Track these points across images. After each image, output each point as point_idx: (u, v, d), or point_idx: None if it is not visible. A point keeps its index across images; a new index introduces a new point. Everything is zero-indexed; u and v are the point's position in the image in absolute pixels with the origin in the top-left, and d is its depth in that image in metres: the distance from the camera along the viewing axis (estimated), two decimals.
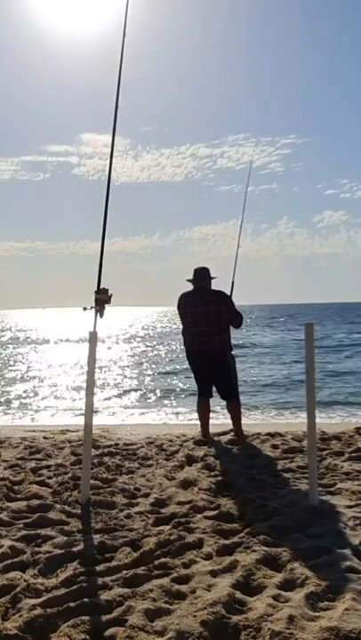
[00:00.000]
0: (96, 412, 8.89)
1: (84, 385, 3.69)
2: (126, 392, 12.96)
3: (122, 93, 3.82)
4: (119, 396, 12.37)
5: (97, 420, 6.84)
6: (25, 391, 13.22)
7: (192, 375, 5.71)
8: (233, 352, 5.61)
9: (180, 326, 5.59)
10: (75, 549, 2.81)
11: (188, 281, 5.54)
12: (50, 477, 4.11)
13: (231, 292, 5.76)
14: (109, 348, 28.04)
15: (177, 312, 5.60)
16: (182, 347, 5.65)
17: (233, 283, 5.90)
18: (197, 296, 5.43)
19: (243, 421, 5.66)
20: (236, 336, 5.65)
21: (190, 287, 5.52)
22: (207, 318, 5.30)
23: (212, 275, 5.52)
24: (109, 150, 3.84)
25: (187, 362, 5.69)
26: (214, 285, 5.54)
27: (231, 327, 5.48)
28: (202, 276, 5.50)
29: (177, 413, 9.90)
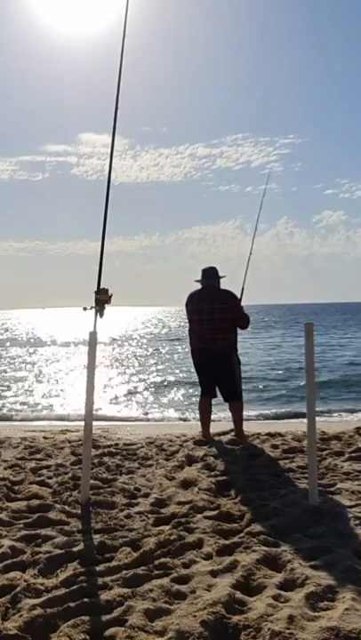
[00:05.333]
0: (97, 411, 8.88)
1: (84, 385, 3.68)
2: (127, 391, 12.95)
3: (121, 93, 3.82)
4: (120, 395, 12.36)
5: (97, 420, 6.84)
6: (27, 391, 13.21)
7: (195, 374, 5.71)
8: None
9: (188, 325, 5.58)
10: (75, 549, 2.81)
11: (197, 281, 5.53)
12: (50, 477, 4.11)
13: (241, 297, 5.72)
14: (114, 347, 28.03)
15: (185, 310, 5.59)
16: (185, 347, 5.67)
17: (243, 289, 5.78)
18: (203, 295, 5.43)
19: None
20: None
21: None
22: (211, 317, 5.30)
23: (220, 274, 5.51)
24: (108, 150, 3.84)
25: (191, 361, 5.69)
26: (224, 285, 5.53)
27: (238, 329, 5.47)
28: (209, 275, 5.50)
29: (178, 413, 9.91)
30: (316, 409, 8.65)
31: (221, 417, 7.30)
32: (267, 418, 8.92)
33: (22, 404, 11.38)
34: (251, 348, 23.94)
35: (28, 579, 2.51)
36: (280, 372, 16.10)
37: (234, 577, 2.50)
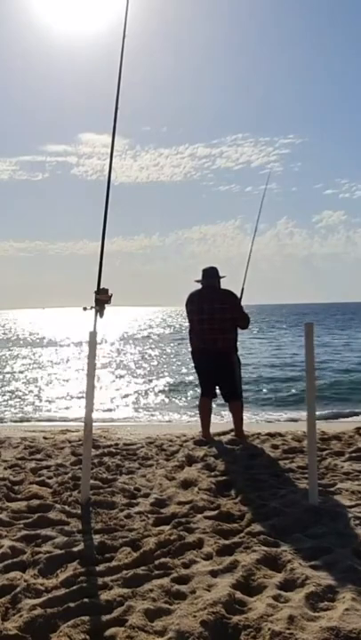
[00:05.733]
0: (99, 411, 8.89)
1: (85, 384, 3.69)
2: (127, 391, 12.95)
3: (121, 93, 3.82)
4: (122, 396, 12.36)
5: (97, 420, 6.84)
6: (28, 391, 13.21)
7: (196, 374, 5.71)
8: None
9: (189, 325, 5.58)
10: (75, 549, 2.81)
11: (197, 281, 5.53)
12: (50, 477, 4.11)
13: (241, 297, 5.71)
14: (116, 347, 28.01)
15: (185, 310, 5.59)
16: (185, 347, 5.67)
17: (243, 289, 5.79)
18: (204, 295, 5.43)
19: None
20: None
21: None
22: (211, 317, 5.29)
23: (220, 274, 5.52)
24: (108, 150, 3.84)
25: (192, 361, 5.69)
26: (224, 285, 5.53)
27: (238, 328, 5.47)
28: (210, 275, 5.50)
29: (178, 413, 9.91)
30: (325, 412, 8.56)
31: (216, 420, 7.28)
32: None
33: (26, 404, 11.37)
34: (258, 348, 23.88)
35: (28, 579, 2.51)
36: (289, 372, 16.04)
37: (234, 577, 2.50)
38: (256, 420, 8.23)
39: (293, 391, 12.23)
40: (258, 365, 17.48)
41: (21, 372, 17.64)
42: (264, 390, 12.68)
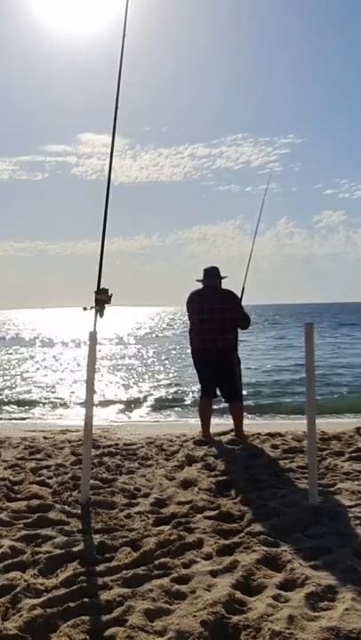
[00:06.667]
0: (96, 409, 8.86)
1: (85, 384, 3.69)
2: (127, 391, 12.95)
3: (121, 93, 3.82)
4: (121, 396, 12.36)
5: (97, 420, 6.84)
6: (30, 391, 13.21)
7: (196, 374, 5.71)
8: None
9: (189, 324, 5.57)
10: (75, 549, 2.81)
11: (198, 281, 5.53)
12: (50, 477, 4.11)
13: (241, 297, 5.71)
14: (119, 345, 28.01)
15: (185, 310, 5.59)
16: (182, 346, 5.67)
17: (243, 289, 5.80)
18: (204, 295, 5.43)
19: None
20: None
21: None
22: (211, 317, 5.30)
23: (222, 274, 5.52)
24: (108, 150, 3.84)
25: (192, 361, 5.69)
26: (224, 285, 5.53)
27: (239, 328, 5.47)
28: (211, 274, 5.50)
29: (177, 413, 9.91)
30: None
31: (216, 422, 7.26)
32: None
33: (25, 404, 11.36)
34: (264, 349, 23.79)
35: (28, 579, 2.51)
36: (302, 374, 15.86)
37: (234, 577, 2.50)
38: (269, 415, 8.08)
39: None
40: (270, 366, 17.36)
41: (21, 372, 17.64)
42: (267, 392, 12.63)
